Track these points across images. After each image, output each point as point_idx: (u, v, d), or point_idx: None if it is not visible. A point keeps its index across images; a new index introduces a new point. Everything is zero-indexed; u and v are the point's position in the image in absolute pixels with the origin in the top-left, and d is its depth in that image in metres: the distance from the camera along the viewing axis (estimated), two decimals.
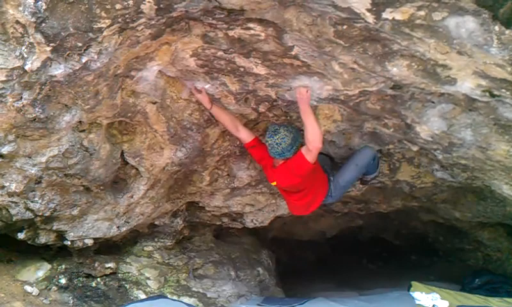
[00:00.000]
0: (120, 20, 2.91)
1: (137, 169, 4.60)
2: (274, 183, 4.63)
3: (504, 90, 2.97)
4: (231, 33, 3.35)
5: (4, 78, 2.96)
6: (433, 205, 6.58)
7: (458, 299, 5.16)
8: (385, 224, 8.82)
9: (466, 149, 3.99)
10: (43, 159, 3.77)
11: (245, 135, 4.44)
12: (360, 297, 5.99)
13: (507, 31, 2.47)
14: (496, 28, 2.48)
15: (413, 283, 5.52)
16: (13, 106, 3.18)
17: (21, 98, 3.16)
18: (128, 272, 5.32)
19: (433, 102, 3.62)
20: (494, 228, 7.15)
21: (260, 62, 3.65)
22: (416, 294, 5.24)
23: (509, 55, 2.59)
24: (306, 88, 3.84)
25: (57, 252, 4.97)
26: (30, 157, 3.74)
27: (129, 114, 4.01)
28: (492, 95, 3.10)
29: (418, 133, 4.05)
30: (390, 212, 7.24)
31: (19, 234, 4.40)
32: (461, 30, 2.60)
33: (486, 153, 3.85)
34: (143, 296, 5.04)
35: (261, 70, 3.74)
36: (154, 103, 4.07)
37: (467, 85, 3.10)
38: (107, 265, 5.15)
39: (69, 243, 4.72)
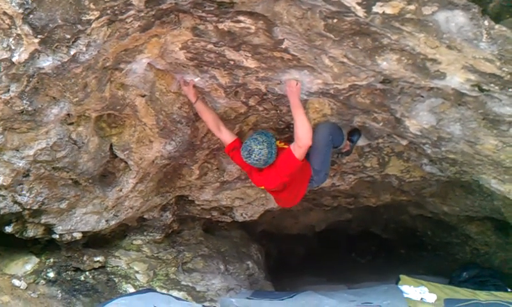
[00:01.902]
0: (108, 11, 2.89)
1: (126, 162, 4.58)
2: (262, 187, 4.58)
3: (492, 85, 2.98)
4: (221, 26, 3.33)
5: None
6: (422, 199, 6.63)
7: (446, 292, 5.22)
8: (374, 218, 8.88)
9: (454, 144, 4.01)
10: (31, 152, 3.74)
11: (227, 136, 4.36)
12: (349, 290, 6.03)
13: (497, 26, 2.48)
14: (486, 23, 2.49)
15: (401, 276, 5.57)
16: (0, 98, 3.15)
17: (8, 90, 3.13)
18: (117, 266, 5.30)
19: (422, 96, 3.63)
20: (482, 222, 7.22)
21: (250, 55, 3.64)
22: (405, 287, 5.29)
23: (498, 50, 2.60)
24: (296, 81, 3.84)
25: (45, 245, 4.95)
26: (18, 150, 3.71)
27: (118, 107, 3.99)
28: (481, 90, 3.11)
29: (408, 128, 4.06)
30: (379, 206, 7.29)
31: (7, 227, 4.37)
32: (451, 24, 2.60)
33: (475, 147, 3.87)
34: (131, 290, 5.04)
35: (251, 64, 3.73)
36: (143, 96, 4.04)
37: (456, 79, 3.11)
38: (96, 259, 5.14)
39: (57, 236, 4.70)
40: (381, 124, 4.32)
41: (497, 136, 3.58)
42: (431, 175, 5.37)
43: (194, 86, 4.09)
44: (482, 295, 5.15)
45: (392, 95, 3.78)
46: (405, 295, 5.09)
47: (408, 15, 2.66)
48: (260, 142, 4.02)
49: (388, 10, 2.66)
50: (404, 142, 4.63)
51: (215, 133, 4.42)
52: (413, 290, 5.22)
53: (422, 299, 5.07)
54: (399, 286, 5.34)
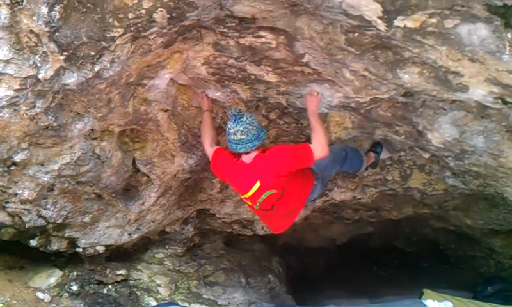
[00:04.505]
0: (132, 29, 2.93)
1: (148, 176, 4.62)
2: (253, 190, 3.65)
3: None
4: (242, 41, 3.36)
5: (18, 87, 2.98)
6: (444, 212, 6.55)
7: None
8: (396, 231, 8.78)
9: (478, 157, 3.97)
10: (56, 167, 3.79)
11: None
12: (371, 305, 5.98)
13: None
14: (509, 35, 2.47)
15: (425, 290, 5.48)
16: (27, 114, 3.20)
17: (34, 106, 3.18)
18: (140, 279, 5.32)
19: (445, 109, 3.61)
20: (506, 235, 7.09)
21: (271, 70, 3.66)
22: (429, 302, 5.19)
23: None
24: (317, 92, 3.83)
25: (68, 259, 4.99)
26: (43, 165, 3.76)
27: (141, 122, 4.03)
28: (504, 102, 3.08)
29: (430, 141, 4.03)
30: (401, 219, 7.22)
31: (31, 241, 4.43)
32: (473, 37, 2.59)
33: (498, 160, 3.82)
34: (154, 303, 5.04)
35: (272, 78, 3.75)
36: (165, 110, 4.09)
37: (479, 92, 3.08)
38: (119, 272, 5.16)
39: (81, 250, 4.75)
40: (402, 137, 4.30)
41: None
42: (453, 188, 5.31)
43: (215, 100, 4.12)
44: None
45: (413, 108, 3.76)
46: None
47: (430, 28, 2.65)
48: (248, 116, 3.56)
49: (410, 24, 2.66)
50: (427, 155, 4.60)
51: (205, 148, 4.10)
52: (437, 304, 5.12)
53: None
54: (423, 301, 5.24)
